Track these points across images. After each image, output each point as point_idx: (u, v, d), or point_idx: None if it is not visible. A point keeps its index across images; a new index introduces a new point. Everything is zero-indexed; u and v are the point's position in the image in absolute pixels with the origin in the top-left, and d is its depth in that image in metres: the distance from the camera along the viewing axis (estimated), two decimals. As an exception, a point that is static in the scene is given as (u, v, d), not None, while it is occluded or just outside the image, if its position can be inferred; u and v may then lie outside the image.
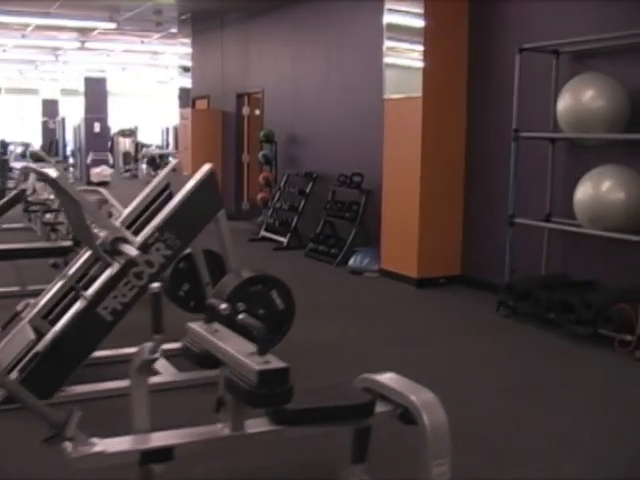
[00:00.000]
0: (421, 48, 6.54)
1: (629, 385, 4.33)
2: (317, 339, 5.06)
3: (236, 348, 2.52)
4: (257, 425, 2.62)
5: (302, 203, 9.10)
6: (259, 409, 2.57)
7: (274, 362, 2.40)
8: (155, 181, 4.49)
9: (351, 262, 7.62)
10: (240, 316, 2.53)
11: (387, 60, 7.03)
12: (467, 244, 6.90)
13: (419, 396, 2.49)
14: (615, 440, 3.56)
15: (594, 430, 3.65)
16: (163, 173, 4.53)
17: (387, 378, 2.66)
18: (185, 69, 13.83)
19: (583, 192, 5.06)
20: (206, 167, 4.29)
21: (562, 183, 5.76)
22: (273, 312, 4.16)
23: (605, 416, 3.84)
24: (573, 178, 5.28)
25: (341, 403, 2.62)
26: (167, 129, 24.71)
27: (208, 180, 4.26)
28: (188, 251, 4.47)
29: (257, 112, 11.16)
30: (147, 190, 4.43)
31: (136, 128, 24.55)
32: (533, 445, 3.48)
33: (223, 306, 2.66)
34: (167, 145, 23.97)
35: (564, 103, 5.20)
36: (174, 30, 13.25)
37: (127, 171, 21.83)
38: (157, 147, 23.29)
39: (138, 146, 23.06)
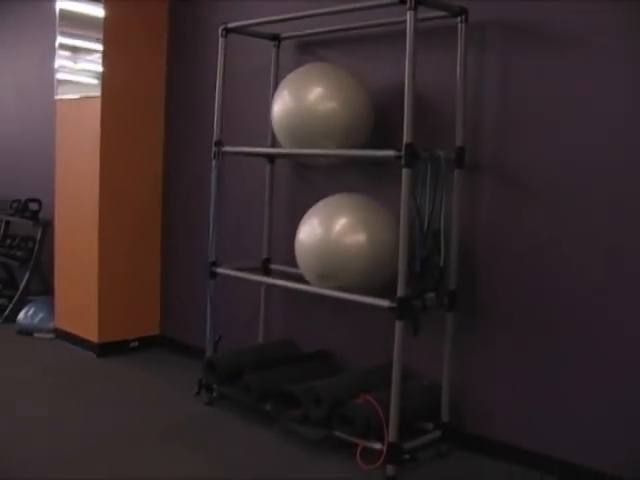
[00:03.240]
0: (100, 35, 4.75)
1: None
2: None
3: None
4: None
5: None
6: None
7: None
8: None
9: (21, 317, 5.61)
10: None
11: (62, 52, 5.19)
12: (167, 297, 5.19)
13: None
14: None
15: None
16: None
17: None
18: None
19: (308, 234, 3.50)
20: None
21: (285, 218, 4.24)
22: None
23: None
24: (299, 211, 3.75)
25: None
26: None
27: None
28: None
29: None
30: None
31: None
32: None
33: None
34: None
35: (282, 105, 3.63)
36: None
37: None
38: None
39: None
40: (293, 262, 3.70)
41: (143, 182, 5.07)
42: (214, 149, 3.94)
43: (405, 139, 3.08)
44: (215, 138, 3.96)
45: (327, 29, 3.91)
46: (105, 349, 4.94)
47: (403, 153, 3.08)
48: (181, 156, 5.01)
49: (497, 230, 3.39)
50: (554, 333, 3.22)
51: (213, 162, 3.96)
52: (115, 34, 4.79)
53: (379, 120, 3.63)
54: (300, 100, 3.53)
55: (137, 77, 4.96)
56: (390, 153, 3.14)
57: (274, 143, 4.03)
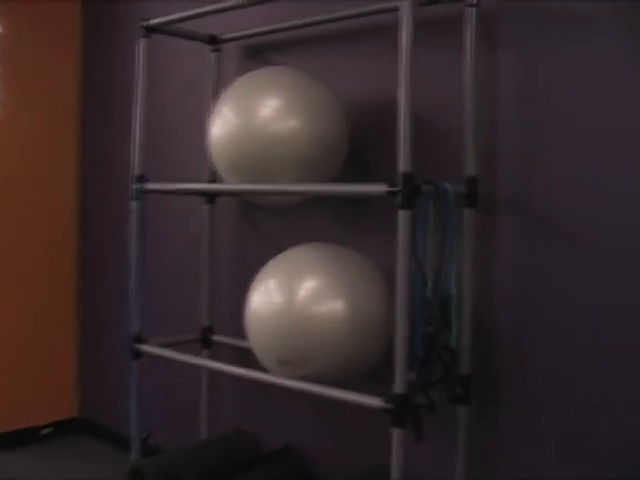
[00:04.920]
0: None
1: None
2: None
3: None
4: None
5: None
6: None
7: None
8: None
9: None
10: None
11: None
12: (86, 371, 4.18)
13: None
14: None
15: None
16: None
17: None
18: None
19: (263, 302, 2.50)
20: None
21: (231, 274, 3.28)
22: None
23: None
24: (249, 266, 2.79)
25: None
26: None
27: None
28: None
29: None
30: None
31: None
32: None
33: None
34: None
35: (222, 125, 2.65)
36: None
37: None
38: None
39: None
40: (242, 331, 2.73)
41: (52, 227, 4.09)
42: (134, 186, 2.95)
43: (401, 167, 2.15)
44: (135, 172, 2.97)
45: (283, 25, 2.98)
46: (7, 440, 3.92)
47: (400, 188, 2.14)
48: (101, 195, 4.03)
49: (523, 291, 2.45)
50: (601, 432, 2.29)
51: (133, 203, 2.97)
52: (12, 54, 3.87)
53: (355, 143, 2.70)
54: (248, 118, 2.56)
55: (42, 100, 4.01)
56: (381, 188, 2.19)
57: (214, 177, 3.08)
